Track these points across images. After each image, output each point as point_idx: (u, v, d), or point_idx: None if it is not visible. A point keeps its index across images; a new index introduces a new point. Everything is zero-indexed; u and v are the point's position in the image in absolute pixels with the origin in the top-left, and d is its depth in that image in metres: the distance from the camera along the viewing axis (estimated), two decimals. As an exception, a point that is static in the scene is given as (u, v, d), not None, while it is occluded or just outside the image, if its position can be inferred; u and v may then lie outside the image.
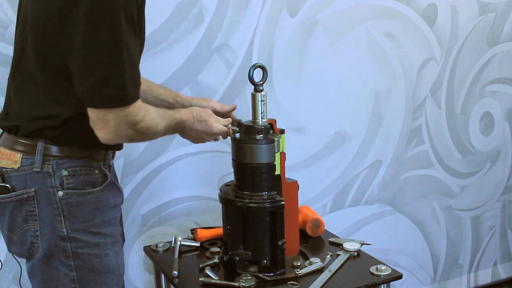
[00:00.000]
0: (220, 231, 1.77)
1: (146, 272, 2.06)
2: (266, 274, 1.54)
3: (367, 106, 2.33)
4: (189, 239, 1.79)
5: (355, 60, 2.25)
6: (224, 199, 1.58)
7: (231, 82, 2.04)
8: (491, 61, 2.57)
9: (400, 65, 2.35)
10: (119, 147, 1.44)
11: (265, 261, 1.57)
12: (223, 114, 1.64)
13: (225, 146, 2.01)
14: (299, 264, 1.60)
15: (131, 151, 1.94)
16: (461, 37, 2.46)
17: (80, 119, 1.25)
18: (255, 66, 1.56)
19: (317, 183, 2.30)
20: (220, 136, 1.57)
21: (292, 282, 1.51)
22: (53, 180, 1.29)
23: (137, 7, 1.22)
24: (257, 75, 1.56)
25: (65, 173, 1.30)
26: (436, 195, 2.59)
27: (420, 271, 2.63)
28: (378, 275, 1.55)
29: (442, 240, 2.66)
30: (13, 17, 1.71)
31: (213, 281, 1.52)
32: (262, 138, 1.53)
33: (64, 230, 1.30)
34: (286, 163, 1.61)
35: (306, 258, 1.66)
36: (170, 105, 1.61)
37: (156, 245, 1.77)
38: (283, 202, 1.53)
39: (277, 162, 1.55)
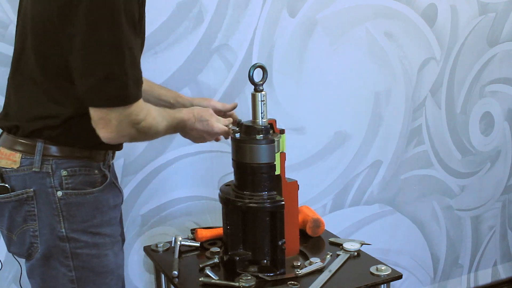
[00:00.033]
0: (220, 231, 1.77)
1: (146, 272, 2.06)
2: (266, 274, 1.54)
3: (367, 106, 2.33)
4: (189, 239, 1.79)
5: (355, 60, 2.25)
6: (224, 199, 1.58)
7: (231, 82, 2.04)
8: (491, 61, 2.57)
9: (400, 65, 2.35)
10: (119, 147, 1.43)
11: (265, 261, 1.57)
12: (224, 113, 1.64)
13: (225, 146, 2.00)
14: (299, 264, 1.60)
15: (131, 151, 1.94)
16: (461, 37, 2.46)
17: (80, 119, 1.25)
18: (255, 66, 1.56)
19: (317, 183, 2.30)
20: (222, 136, 1.57)
21: (292, 282, 1.51)
22: (52, 180, 1.29)
23: (138, 6, 1.22)
24: (257, 75, 1.56)
25: (64, 173, 1.29)
26: (436, 195, 2.59)
27: (420, 271, 2.63)
28: (378, 275, 1.55)
29: (442, 240, 2.66)
30: (13, 17, 1.71)
31: (213, 281, 1.52)
32: (262, 138, 1.53)
33: (63, 230, 1.30)
34: (286, 163, 1.61)
35: (306, 258, 1.66)
36: (171, 106, 1.61)
37: (156, 245, 1.77)
38: (283, 202, 1.53)
39: (277, 162, 1.55)
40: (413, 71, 2.39)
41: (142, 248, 1.85)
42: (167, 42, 1.92)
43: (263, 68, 1.57)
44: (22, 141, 1.30)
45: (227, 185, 1.65)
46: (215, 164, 2.07)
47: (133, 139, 1.31)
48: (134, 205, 2.00)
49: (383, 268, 1.57)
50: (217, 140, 1.60)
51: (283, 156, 1.59)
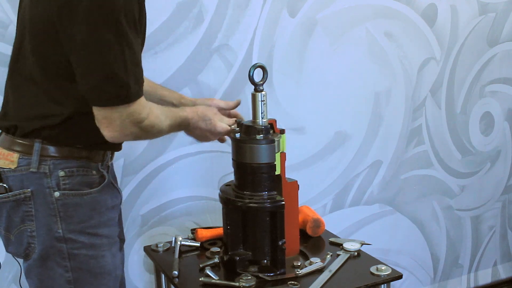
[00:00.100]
0: (220, 231, 1.77)
1: (146, 272, 2.06)
2: (266, 274, 1.54)
3: (367, 106, 2.33)
4: (189, 239, 1.79)
5: (355, 60, 2.25)
6: (224, 199, 1.58)
7: (231, 82, 2.04)
8: (491, 61, 2.57)
9: (400, 65, 2.35)
10: (118, 147, 1.43)
11: (265, 261, 1.57)
12: (228, 111, 1.64)
13: (225, 146, 2.00)
14: (299, 264, 1.60)
15: (131, 151, 1.94)
16: (461, 37, 2.46)
17: (80, 118, 1.25)
18: (255, 66, 1.55)
19: (317, 183, 2.30)
20: (226, 136, 1.57)
21: (292, 282, 1.51)
22: (49, 180, 1.29)
23: (138, 5, 1.22)
24: (257, 75, 1.55)
25: (61, 173, 1.29)
26: (436, 195, 2.59)
27: (420, 271, 2.63)
28: (378, 275, 1.55)
29: (442, 240, 2.66)
30: (13, 17, 1.71)
31: (213, 281, 1.52)
32: (262, 138, 1.53)
33: (60, 231, 1.30)
34: (286, 163, 1.61)
35: (306, 258, 1.66)
36: (174, 107, 1.61)
37: (156, 245, 1.77)
38: (283, 202, 1.53)
39: (277, 162, 1.55)
40: (413, 71, 2.39)
41: (142, 248, 1.85)
42: (167, 42, 1.92)
43: (263, 68, 1.57)
44: (20, 141, 1.30)
45: (227, 185, 1.65)
46: (215, 164, 2.07)
47: (137, 137, 1.31)
48: (134, 205, 2.00)
49: (383, 268, 1.57)
50: (222, 141, 1.60)
51: (283, 156, 1.59)
